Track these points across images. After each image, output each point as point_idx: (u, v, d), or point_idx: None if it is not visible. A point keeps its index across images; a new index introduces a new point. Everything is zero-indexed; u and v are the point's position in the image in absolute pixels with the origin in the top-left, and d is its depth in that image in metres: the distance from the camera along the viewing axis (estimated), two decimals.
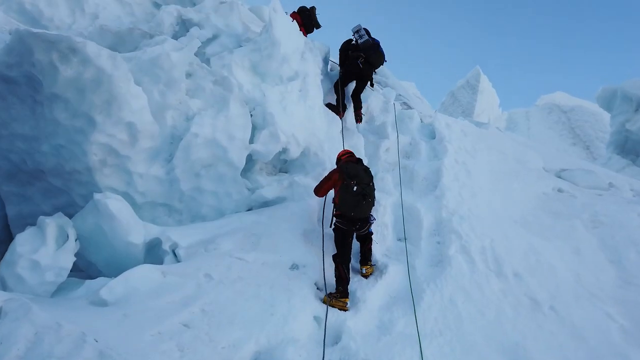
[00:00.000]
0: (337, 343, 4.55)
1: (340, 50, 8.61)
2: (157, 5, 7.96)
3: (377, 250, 6.04)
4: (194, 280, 4.75)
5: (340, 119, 7.91)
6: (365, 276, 5.66)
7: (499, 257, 6.13)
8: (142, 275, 4.64)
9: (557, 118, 23.37)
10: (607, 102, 15.49)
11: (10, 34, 6.09)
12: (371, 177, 5.74)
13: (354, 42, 8.31)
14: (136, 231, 5.42)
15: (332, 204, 5.73)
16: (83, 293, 4.89)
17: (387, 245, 6.27)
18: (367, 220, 5.56)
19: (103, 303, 4.38)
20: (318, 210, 6.17)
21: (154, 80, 5.61)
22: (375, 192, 5.85)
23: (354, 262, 5.84)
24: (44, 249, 5.15)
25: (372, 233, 5.85)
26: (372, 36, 8.16)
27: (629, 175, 11.82)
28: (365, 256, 5.79)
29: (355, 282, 5.45)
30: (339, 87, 8.28)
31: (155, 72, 5.57)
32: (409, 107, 11.32)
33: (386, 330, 4.84)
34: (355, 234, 5.61)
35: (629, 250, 6.87)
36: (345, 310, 4.99)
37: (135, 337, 3.89)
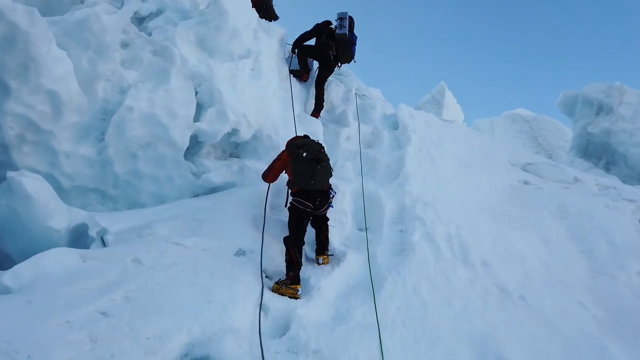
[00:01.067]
0: (285, 334, 3.94)
1: (316, 25, 8.10)
2: None
3: (336, 238, 5.50)
4: (120, 265, 4.08)
5: (305, 81, 7.70)
6: (319, 263, 5.10)
7: (465, 244, 5.72)
8: (57, 259, 3.94)
9: (520, 127, 23.58)
10: (569, 107, 15.62)
11: None
12: (322, 146, 5.24)
13: (333, 27, 7.84)
14: (58, 215, 4.72)
15: (287, 187, 5.21)
16: None
17: (347, 234, 5.76)
18: (327, 195, 5.03)
19: (5, 290, 3.66)
20: (270, 196, 5.59)
21: (83, 46, 4.97)
22: (335, 180, 5.37)
23: (309, 252, 5.30)
24: None
25: (328, 219, 5.33)
26: (354, 30, 7.84)
27: None
28: (323, 245, 5.23)
29: (309, 270, 4.88)
30: (300, 54, 8.01)
31: (83, 36, 4.94)
32: None
33: (342, 320, 4.28)
34: (311, 218, 5.07)
35: (598, 241, 6.58)
36: (296, 298, 4.40)
37: (36, 327, 3.21)
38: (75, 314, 3.40)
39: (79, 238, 4.98)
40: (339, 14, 7.85)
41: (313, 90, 7.97)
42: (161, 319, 3.62)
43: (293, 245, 4.67)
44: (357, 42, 7.98)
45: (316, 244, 5.26)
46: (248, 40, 6.41)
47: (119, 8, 6.56)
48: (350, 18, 7.87)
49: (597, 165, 13.73)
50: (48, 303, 3.47)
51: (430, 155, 7.34)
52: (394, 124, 8.31)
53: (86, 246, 4.84)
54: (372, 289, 4.73)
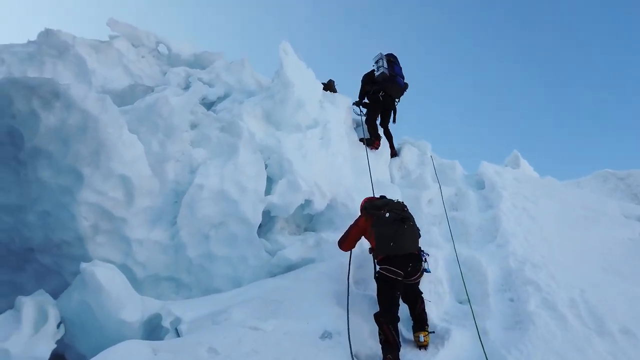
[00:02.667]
0: None
1: (362, 82, 8.08)
2: None
3: (433, 313, 4.71)
4: (194, 356, 3.59)
5: (377, 148, 7.51)
6: (423, 346, 4.27)
7: (595, 310, 4.68)
8: (126, 353, 3.54)
9: (614, 186, 21.26)
10: None
11: None
12: (404, 205, 4.66)
13: (375, 71, 7.84)
14: (131, 306, 4.40)
15: (371, 254, 4.64)
16: None
17: (445, 308, 4.93)
18: (419, 258, 4.35)
19: None
20: (352, 268, 4.99)
21: (152, 130, 4.96)
22: (423, 247, 4.72)
23: (404, 331, 4.52)
24: (17, 334, 4.17)
25: (422, 292, 4.59)
26: (396, 64, 7.76)
27: None
28: (421, 319, 4.38)
29: (408, 352, 4.10)
30: (368, 120, 7.83)
31: (153, 119, 4.95)
32: None
33: None
34: (404, 287, 4.38)
35: None
36: None
37: None
38: None
39: (153, 330, 4.60)
40: (374, 58, 7.87)
41: (388, 157, 7.66)
42: None
43: (387, 322, 3.96)
44: (401, 72, 7.81)
45: (412, 320, 4.46)
46: (314, 110, 6.26)
47: None
48: (389, 55, 7.84)
49: None
50: None
51: (527, 212, 6.48)
52: (478, 184, 7.58)
53: (160, 338, 4.44)
54: None
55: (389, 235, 4.22)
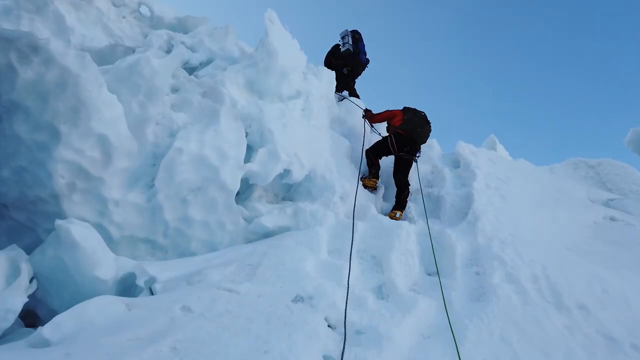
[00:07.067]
0: None
1: (328, 53, 8.56)
2: None
3: (403, 283, 4.89)
4: (168, 313, 3.67)
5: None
6: (395, 219, 6.11)
7: (556, 286, 4.93)
8: (100, 307, 3.60)
9: (584, 173, 21.80)
10: None
11: None
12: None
13: (340, 46, 8.45)
14: (106, 264, 4.41)
15: (388, 124, 7.15)
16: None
17: (414, 279, 5.13)
18: (416, 151, 6.72)
19: (45, 343, 3.31)
20: (328, 237, 5.12)
21: (133, 91, 4.90)
22: (397, 221, 5.02)
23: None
24: None
25: (409, 184, 6.66)
26: (362, 40, 8.32)
27: None
28: (402, 203, 6.41)
29: (377, 317, 4.25)
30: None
31: (134, 80, 4.88)
32: None
33: None
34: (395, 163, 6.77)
35: None
36: (374, 189, 6.54)
37: None
38: None
39: (127, 289, 4.64)
40: (340, 33, 8.41)
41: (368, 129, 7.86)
42: None
43: (373, 157, 6.66)
44: (364, 49, 8.37)
45: (395, 201, 6.45)
46: (297, 81, 6.26)
47: None
48: (355, 32, 8.33)
49: None
50: (87, 355, 3.07)
51: (499, 191, 6.69)
52: (454, 163, 7.76)
53: (134, 297, 4.49)
54: (452, 338, 4.05)
55: (418, 123, 6.65)
